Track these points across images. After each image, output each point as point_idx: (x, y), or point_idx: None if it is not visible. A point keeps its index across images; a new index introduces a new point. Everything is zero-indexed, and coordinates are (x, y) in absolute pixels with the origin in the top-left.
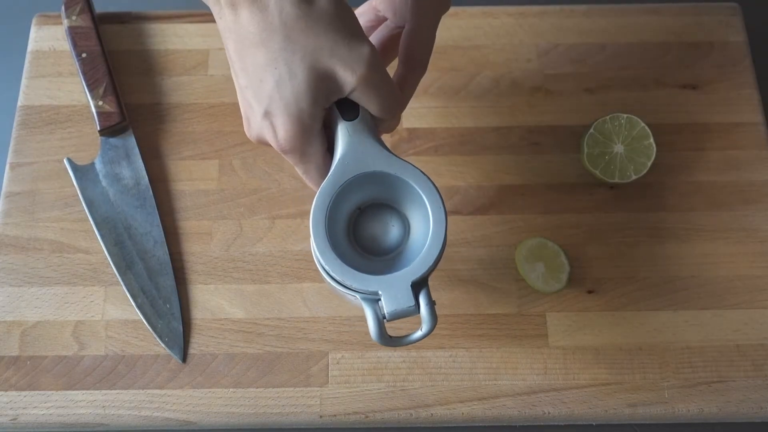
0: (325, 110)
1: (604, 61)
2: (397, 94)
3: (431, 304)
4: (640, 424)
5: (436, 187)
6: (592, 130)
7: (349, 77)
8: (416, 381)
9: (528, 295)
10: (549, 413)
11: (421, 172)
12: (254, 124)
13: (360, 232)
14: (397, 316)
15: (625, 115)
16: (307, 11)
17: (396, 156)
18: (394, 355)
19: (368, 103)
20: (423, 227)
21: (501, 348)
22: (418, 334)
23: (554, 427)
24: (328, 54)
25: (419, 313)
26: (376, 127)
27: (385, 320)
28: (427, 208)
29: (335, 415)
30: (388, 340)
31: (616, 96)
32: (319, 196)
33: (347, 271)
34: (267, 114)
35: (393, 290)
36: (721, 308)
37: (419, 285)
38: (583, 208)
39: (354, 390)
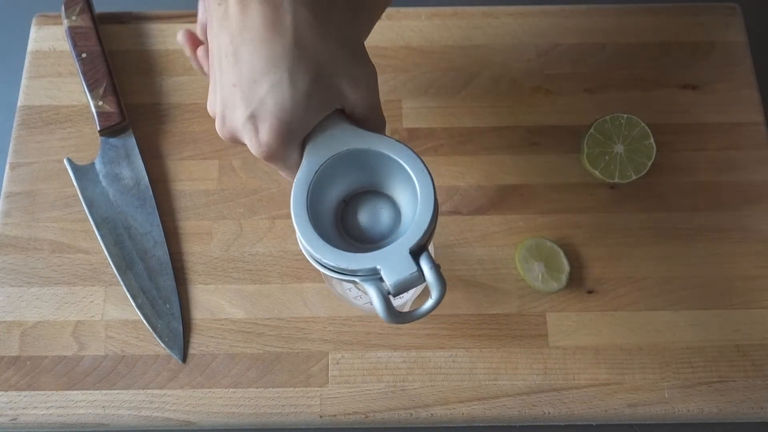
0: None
1: (604, 61)
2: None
3: (436, 267)
4: (640, 424)
5: (414, 152)
6: (592, 130)
7: (352, 94)
8: (416, 381)
9: (528, 295)
10: (549, 413)
11: (396, 140)
12: (231, 124)
13: (350, 223)
14: (401, 286)
15: (625, 115)
16: (321, 20)
17: (367, 131)
18: (394, 355)
19: (362, 119)
20: (412, 201)
21: (501, 348)
22: (429, 303)
23: (554, 427)
24: (335, 66)
25: (424, 280)
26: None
27: (390, 295)
28: (411, 178)
29: (335, 415)
30: (398, 316)
31: (616, 96)
32: (295, 187)
33: (339, 254)
34: (252, 117)
35: (391, 261)
36: (721, 308)
37: (418, 252)
38: (583, 208)
39: (354, 390)
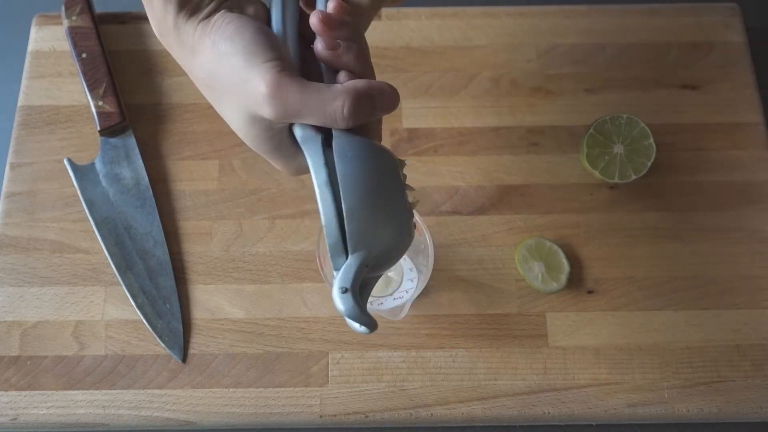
0: (277, 129)
1: (604, 61)
2: (320, 93)
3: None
4: (640, 424)
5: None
6: (592, 130)
7: (259, 96)
8: (416, 381)
9: (528, 295)
10: (549, 413)
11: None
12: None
13: None
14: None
15: (625, 115)
16: (227, 49)
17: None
18: (394, 355)
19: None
20: None
21: (501, 348)
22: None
23: (554, 427)
24: (243, 78)
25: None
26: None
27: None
28: None
29: (335, 415)
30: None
31: (616, 96)
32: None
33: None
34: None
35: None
36: (721, 308)
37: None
38: (583, 208)
39: (354, 390)
